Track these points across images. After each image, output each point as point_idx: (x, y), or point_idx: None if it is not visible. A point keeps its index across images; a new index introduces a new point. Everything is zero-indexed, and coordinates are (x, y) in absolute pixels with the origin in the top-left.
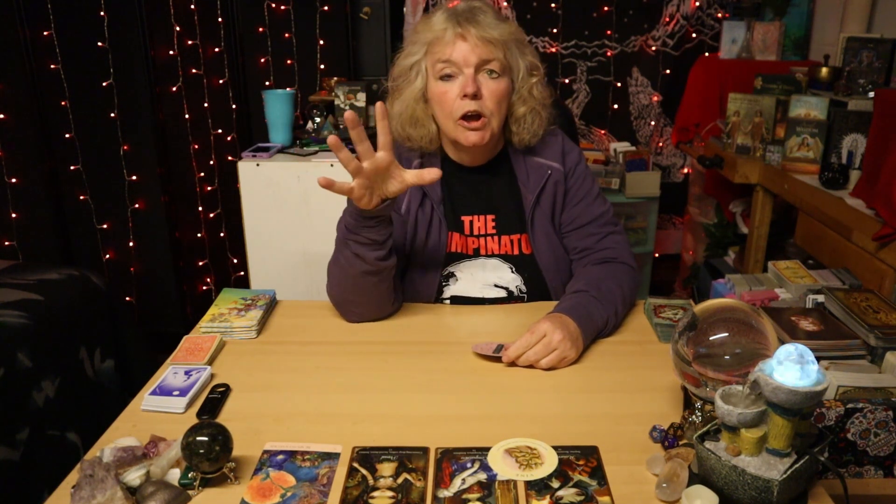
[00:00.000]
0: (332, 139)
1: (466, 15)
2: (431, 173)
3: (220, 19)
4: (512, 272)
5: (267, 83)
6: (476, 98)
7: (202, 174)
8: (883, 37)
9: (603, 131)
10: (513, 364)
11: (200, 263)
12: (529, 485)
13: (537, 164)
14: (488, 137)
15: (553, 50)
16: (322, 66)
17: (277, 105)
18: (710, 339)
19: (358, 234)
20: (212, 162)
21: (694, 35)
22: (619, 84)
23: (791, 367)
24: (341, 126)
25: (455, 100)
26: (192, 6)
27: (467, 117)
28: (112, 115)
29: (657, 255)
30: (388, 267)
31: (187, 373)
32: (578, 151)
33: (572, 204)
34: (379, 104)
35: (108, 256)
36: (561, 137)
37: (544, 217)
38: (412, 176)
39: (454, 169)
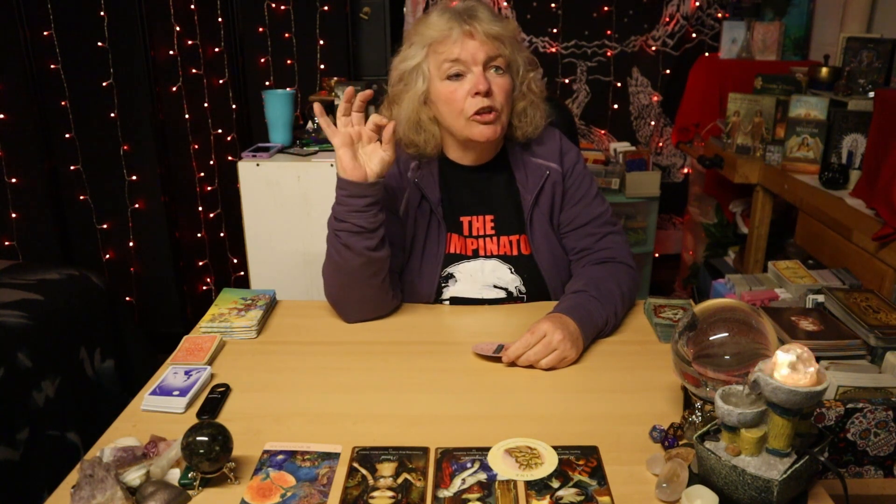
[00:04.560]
0: (317, 107)
1: (469, 12)
2: (388, 127)
3: (220, 19)
4: (511, 273)
5: (267, 83)
6: (488, 95)
7: (202, 174)
8: (883, 37)
9: (603, 131)
10: (513, 364)
11: (200, 263)
12: (529, 485)
13: (536, 165)
14: (500, 131)
15: (553, 50)
16: (322, 66)
17: (277, 105)
18: (710, 339)
19: (346, 220)
20: (212, 162)
21: (694, 35)
22: (619, 84)
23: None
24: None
25: (466, 98)
26: (192, 6)
27: (480, 112)
28: (112, 115)
29: (657, 255)
30: (381, 259)
31: (187, 373)
32: (577, 151)
33: (571, 204)
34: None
35: (108, 256)
36: (559, 137)
37: (543, 217)
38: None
39: (453, 169)
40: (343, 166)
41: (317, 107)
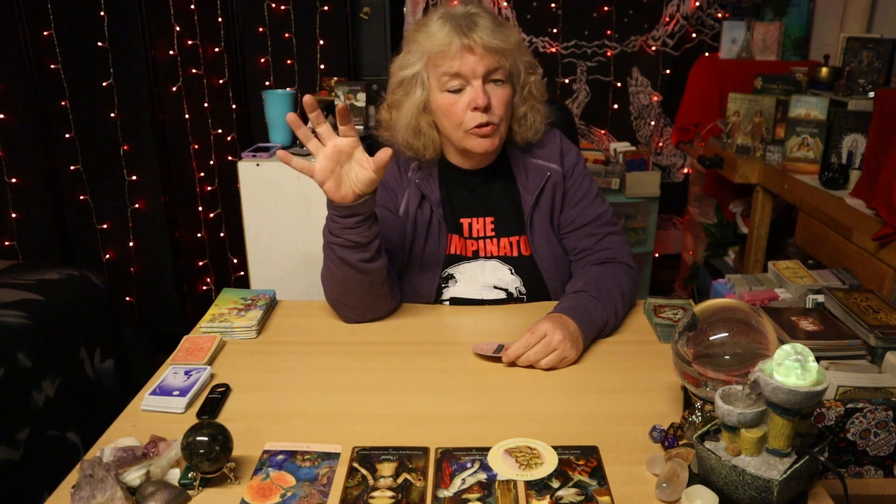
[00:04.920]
0: (290, 116)
1: (468, 23)
2: (383, 153)
3: (220, 19)
4: (511, 273)
5: (267, 83)
6: (487, 110)
7: (202, 174)
8: (883, 37)
9: (603, 131)
10: (513, 364)
11: (200, 263)
12: (529, 485)
13: (536, 166)
14: (498, 143)
15: (553, 50)
16: (322, 66)
17: (277, 105)
18: (710, 339)
19: (340, 236)
20: (212, 162)
21: (694, 35)
22: (619, 84)
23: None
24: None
25: (465, 111)
26: (192, 6)
27: (479, 126)
28: (112, 115)
29: (657, 255)
30: (376, 269)
31: (187, 373)
32: (577, 152)
33: (571, 205)
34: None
35: (108, 256)
36: (559, 138)
37: (543, 218)
38: (375, 163)
39: (453, 172)
40: (330, 197)
41: (280, 154)
